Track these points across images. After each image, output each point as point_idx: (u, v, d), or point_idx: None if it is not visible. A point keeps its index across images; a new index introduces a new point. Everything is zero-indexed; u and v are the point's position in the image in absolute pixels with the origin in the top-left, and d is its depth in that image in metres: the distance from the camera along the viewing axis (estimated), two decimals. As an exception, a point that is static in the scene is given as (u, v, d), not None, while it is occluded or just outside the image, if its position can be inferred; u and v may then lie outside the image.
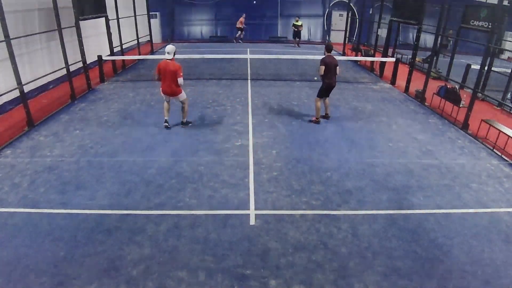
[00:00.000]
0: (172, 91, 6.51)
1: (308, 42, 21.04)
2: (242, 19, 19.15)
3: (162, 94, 6.67)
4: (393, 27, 11.92)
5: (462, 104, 7.81)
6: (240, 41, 19.69)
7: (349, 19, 17.79)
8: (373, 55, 13.52)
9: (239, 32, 19.52)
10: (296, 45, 19.00)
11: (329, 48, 7.21)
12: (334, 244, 3.89)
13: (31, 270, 3.43)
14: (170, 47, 6.39)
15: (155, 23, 19.46)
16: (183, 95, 6.71)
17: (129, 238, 3.89)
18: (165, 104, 6.82)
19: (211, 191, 4.84)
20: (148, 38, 15.79)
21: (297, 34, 18.72)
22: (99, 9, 10.07)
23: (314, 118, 7.51)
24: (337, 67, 7.15)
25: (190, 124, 7.12)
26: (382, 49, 12.72)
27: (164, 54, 6.43)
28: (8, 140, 6.30)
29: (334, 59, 7.10)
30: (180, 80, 6.36)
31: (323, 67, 7.00)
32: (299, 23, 18.52)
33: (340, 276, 3.46)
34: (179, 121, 7.09)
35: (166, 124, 6.89)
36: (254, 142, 6.45)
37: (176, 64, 6.34)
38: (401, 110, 8.59)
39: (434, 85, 9.11)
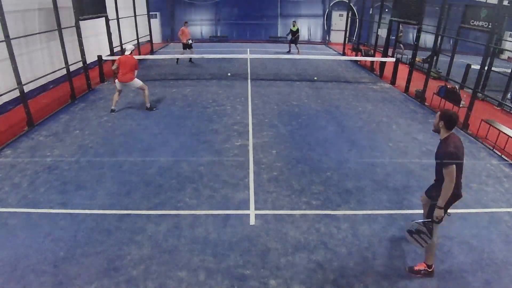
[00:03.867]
0: (127, 79, 7.76)
1: (308, 42, 21.04)
2: (185, 28, 12.94)
3: (118, 82, 7.77)
4: (393, 27, 11.92)
5: (462, 104, 7.81)
6: (192, 61, 13.50)
7: (349, 19, 17.79)
8: (373, 55, 13.52)
9: (185, 49, 13.06)
10: (289, 51, 16.29)
11: (453, 121, 3.19)
12: (334, 244, 3.89)
13: (31, 270, 3.42)
14: (130, 46, 8.01)
15: (155, 23, 19.46)
16: (138, 81, 7.91)
17: (129, 238, 3.89)
18: (116, 95, 7.94)
19: (211, 191, 4.84)
20: (148, 38, 15.77)
21: (292, 40, 16.05)
22: (99, 9, 10.06)
23: (423, 266, 3.50)
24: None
25: (155, 109, 8.10)
26: (382, 49, 12.72)
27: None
28: (8, 140, 6.30)
29: (461, 142, 3.29)
30: (136, 72, 7.95)
31: (454, 168, 3.06)
32: (295, 28, 15.71)
33: (340, 276, 3.46)
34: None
35: (112, 111, 7.89)
36: (254, 142, 6.45)
37: (135, 59, 7.89)
38: (401, 110, 8.59)
39: (434, 85, 9.11)
